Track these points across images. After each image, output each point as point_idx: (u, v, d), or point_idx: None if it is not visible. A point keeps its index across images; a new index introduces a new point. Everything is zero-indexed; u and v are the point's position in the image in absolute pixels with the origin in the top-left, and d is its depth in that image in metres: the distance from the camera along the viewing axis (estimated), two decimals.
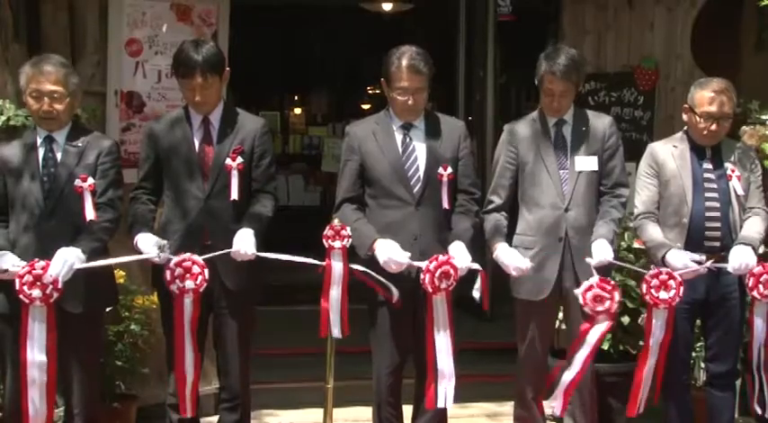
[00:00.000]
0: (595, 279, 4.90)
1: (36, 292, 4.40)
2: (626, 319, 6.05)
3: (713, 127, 5.20)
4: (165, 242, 4.72)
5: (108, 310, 5.04)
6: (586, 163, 5.33)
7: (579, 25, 7.18)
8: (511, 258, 5.11)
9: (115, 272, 5.18)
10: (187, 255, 4.61)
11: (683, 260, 4.99)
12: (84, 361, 4.84)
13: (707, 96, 5.21)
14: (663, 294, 4.94)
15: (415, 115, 5.10)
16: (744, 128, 5.94)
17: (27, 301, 4.41)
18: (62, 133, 4.82)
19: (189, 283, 4.54)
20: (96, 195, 4.74)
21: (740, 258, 5.10)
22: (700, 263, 5.08)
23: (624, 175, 5.50)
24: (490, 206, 5.39)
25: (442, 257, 4.79)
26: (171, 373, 5.05)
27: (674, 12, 7.06)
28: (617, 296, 4.97)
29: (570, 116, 5.36)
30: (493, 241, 5.26)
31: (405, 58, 4.99)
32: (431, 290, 4.78)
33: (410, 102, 5.01)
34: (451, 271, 4.78)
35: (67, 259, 4.47)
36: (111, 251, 5.03)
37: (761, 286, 5.07)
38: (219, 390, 5.31)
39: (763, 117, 6.21)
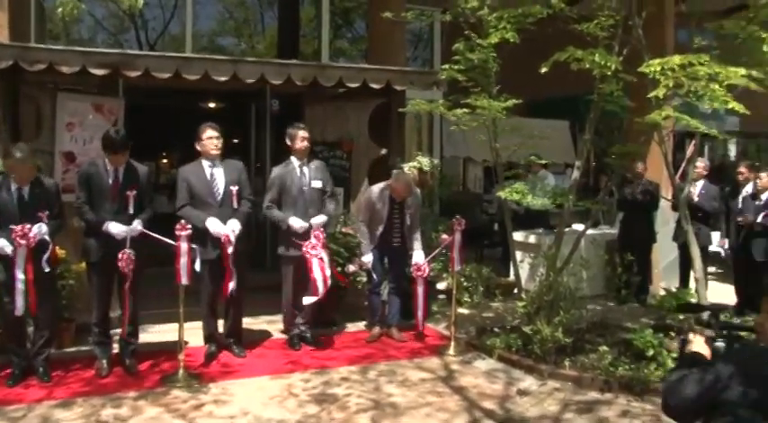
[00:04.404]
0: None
1: (23, 242, 4.68)
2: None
3: (402, 194, 6.08)
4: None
5: (47, 270, 4.92)
6: (317, 184, 5.90)
7: (314, 117, 7.57)
8: (299, 223, 5.67)
9: (58, 249, 5.28)
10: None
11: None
12: (48, 297, 5.04)
13: (397, 186, 6.06)
14: (313, 251, 5.62)
15: (217, 158, 5.58)
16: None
17: (18, 247, 4.69)
18: (27, 185, 4.93)
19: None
20: (51, 212, 4.98)
21: (420, 255, 6.12)
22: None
23: (333, 189, 6.13)
24: (272, 204, 5.85)
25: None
26: (92, 307, 5.29)
27: (359, 111, 7.48)
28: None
29: (306, 160, 5.93)
30: (286, 218, 5.73)
31: (208, 128, 5.58)
32: (228, 240, 5.30)
33: (215, 149, 5.56)
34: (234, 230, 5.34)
35: (40, 228, 4.77)
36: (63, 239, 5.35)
37: (418, 272, 6.04)
38: (121, 316, 5.35)
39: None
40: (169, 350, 5.50)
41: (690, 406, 2.09)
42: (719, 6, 8.07)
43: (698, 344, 2.32)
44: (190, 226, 5.12)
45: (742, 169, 7.53)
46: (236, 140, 10.17)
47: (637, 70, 5.34)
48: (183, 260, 5.05)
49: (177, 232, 5.04)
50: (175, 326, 5.20)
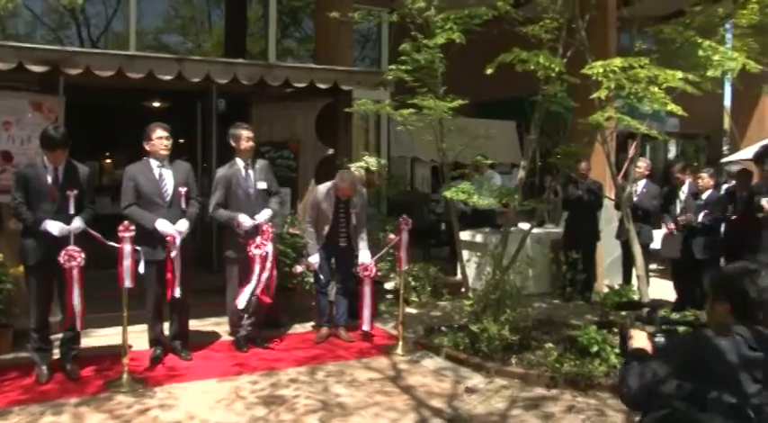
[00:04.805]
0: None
1: None
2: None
3: (346, 193, 6.04)
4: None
5: None
6: (262, 185, 5.85)
7: (261, 116, 7.60)
8: (248, 220, 5.60)
9: None
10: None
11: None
12: None
13: (342, 185, 6.02)
14: (256, 250, 5.59)
15: (166, 158, 5.47)
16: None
17: None
18: None
19: None
20: None
21: (366, 254, 6.12)
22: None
23: (277, 189, 6.08)
24: (218, 205, 5.75)
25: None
26: (31, 312, 5.10)
27: (306, 111, 7.45)
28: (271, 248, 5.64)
29: (251, 161, 5.83)
30: (236, 216, 5.62)
31: (158, 127, 5.46)
32: (173, 241, 5.22)
33: (165, 150, 5.45)
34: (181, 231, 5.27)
35: None
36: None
37: (365, 272, 6.05)
38: (62, 321, 5.18)
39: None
40: (113, 354, 5.35)
41: (636, 398, 2.17)
42: (659, 12, 8.31)
43: (639, 339, 2.37)
44: (133, 227, 5.00)
45: (676, 173, 7.73)
46: (181, 140, 9.97)
47: (580, 72, 5.45)
48: (127, 262, 4.94)
49: (120, 234, 4.92)
50: (119, 329, 5.09)
